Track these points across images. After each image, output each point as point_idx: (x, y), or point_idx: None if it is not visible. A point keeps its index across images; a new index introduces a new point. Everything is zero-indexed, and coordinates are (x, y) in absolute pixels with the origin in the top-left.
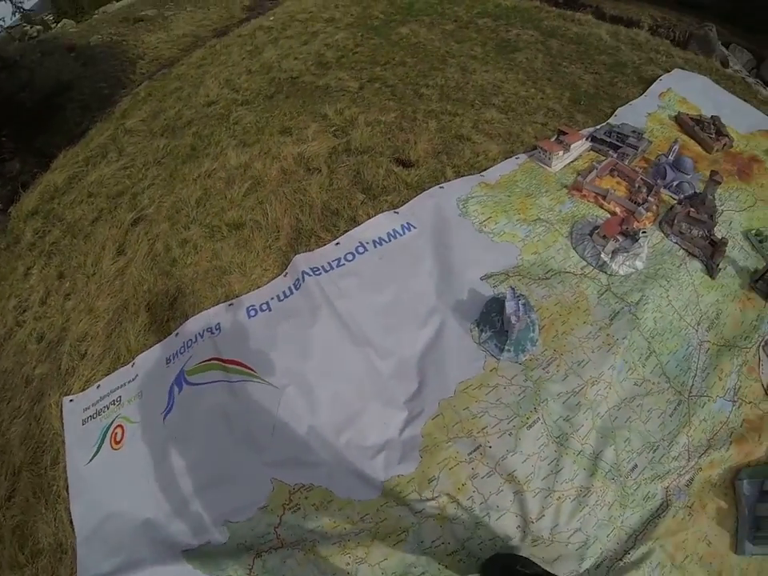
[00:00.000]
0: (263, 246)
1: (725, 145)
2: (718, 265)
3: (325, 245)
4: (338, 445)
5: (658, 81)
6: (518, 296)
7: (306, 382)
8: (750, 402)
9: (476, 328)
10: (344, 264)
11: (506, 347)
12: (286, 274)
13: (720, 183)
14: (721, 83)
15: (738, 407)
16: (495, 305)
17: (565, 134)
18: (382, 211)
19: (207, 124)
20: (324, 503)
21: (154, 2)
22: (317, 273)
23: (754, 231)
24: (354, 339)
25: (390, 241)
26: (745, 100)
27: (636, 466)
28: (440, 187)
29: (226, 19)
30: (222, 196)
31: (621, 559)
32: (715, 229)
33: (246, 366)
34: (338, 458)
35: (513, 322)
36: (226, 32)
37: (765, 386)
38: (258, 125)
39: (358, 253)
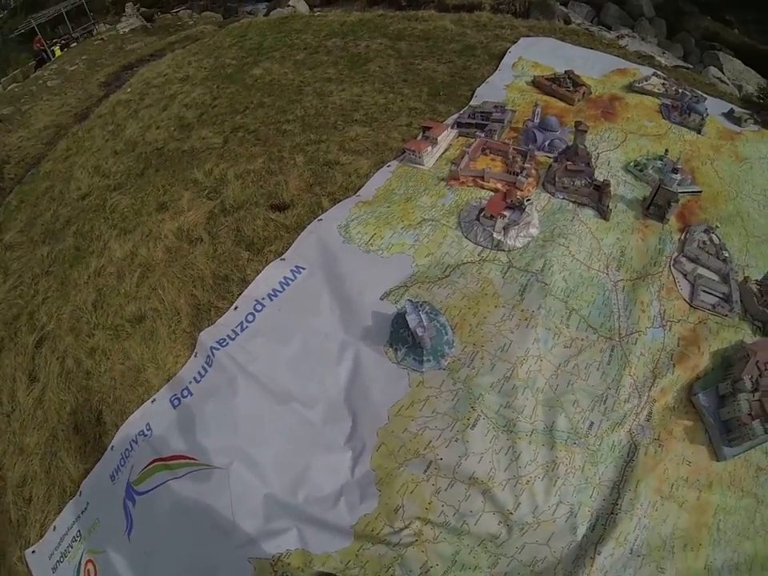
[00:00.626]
0: (168, 333)
1: (584, 93)
2: (608, 206)
3: (224, 313)
4: (297, 504)
5: (507, 53)
6: (418, 306)
7: (246, 454)
8: (679, 320)
9: (390, 349)
10: (247, 327)
11: (425, 358)
12: (196, 354)
13: (586, 131)
14: (567, 39)
15: (670, 329)
16: (401, 321)
17: (429, 128)
18: (269, 262)
19: (85, 219)
20: (306, 563)
21: (9, 99)
22: (224, 344)
23: (632, 163)
24: (277, 398)
25: (283, 290)
26: (591, 48)
27: (592, 423)
28: (318, 220)
29: (84, 100)
30: (117, 292)
31: (612, 513)
32: (596, 173)
33: (187, 457)
34: (302, 517)
35: (420, 334)
36: (86, 114)
37: (688, 300)
38: (134, 207)
39: (257, 311)
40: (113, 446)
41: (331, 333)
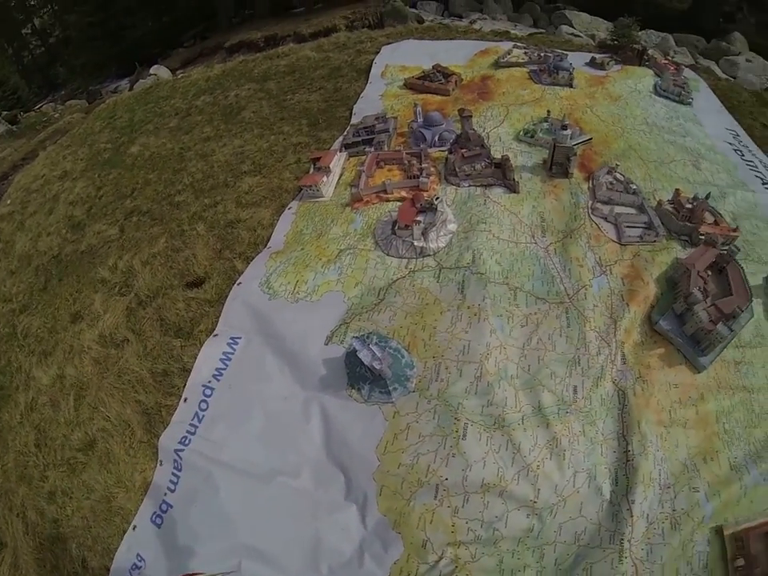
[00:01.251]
0: (125, 450)
1: (456, 82)
2: (514, 179)
3: (176, 409)
4: None
5: (373, 65)
6: (366, 340)
7: (251, 548)
8: (616, 262)
9: (353, 390)
10: (203, 416)
11: (390, 388)
12: (161, 461)
13: (471, 115)
14: (426, 36)
15: (611, 273)
16: (354, 359)
17: (318, 159)
18: (203, 343)
19: None
20: None
21: None
22: (186, 442)
23: (521, 132)
24: (261, 479)
25: (227, 366)
26: (450, 38)
27: (575, 387)
28: (238, 284)
29: None
30: (56, 423)
31: (627, 460)
32: (492, 152)
33: (192, 575)
34: None
35: (378, 367)
36: None
37: (616, 240)
38: (47, 326)
39: (208, 396)
40: None
41: (289, 394)
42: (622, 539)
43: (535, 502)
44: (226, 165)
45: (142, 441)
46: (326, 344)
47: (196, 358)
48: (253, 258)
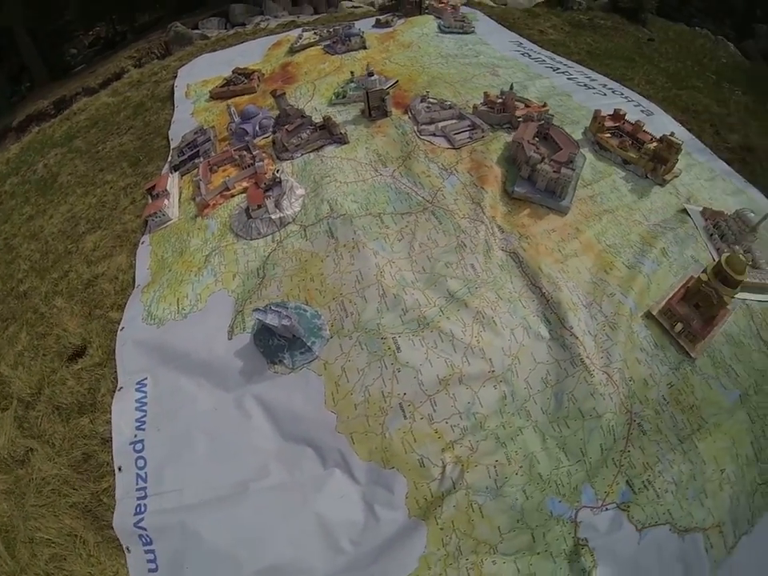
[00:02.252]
0: (85, 563)
1: (259, 78)
2: (341, 132)
3: (114, 484)
4: None
5: (175, 89)
6: (266, 310)
7: (267, 571)
8: (457, 162)
9: (275, 365)
10: (145, 473)
11: (309, 344)
12: (128, 548)
13: (284, 93)
14: (218, 47)
15: (457, 171)
16: (263, 336)
17: (153, 187)
18: (110, 404)
19: None
20: None
21: None
22: (142, 510)
23: (333, 97)
24: (235, 497)
25: (146, 411)
26: (241, 42)
27: (472, 265)
28: (121, 330)
29: None
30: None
31: (548, 300)
32: (313, 120)
33: None
34: None
35: (288, 323)
36: None
37: (452, 146)
38: None
39: (140, 451)
40: None
41: (217, 403)
42: (581, 359)
43: (493, 371)
44: (60, 234)
45: (98, 542)
46: (230, 339)
47: (111, 422)
48: (126, 303)
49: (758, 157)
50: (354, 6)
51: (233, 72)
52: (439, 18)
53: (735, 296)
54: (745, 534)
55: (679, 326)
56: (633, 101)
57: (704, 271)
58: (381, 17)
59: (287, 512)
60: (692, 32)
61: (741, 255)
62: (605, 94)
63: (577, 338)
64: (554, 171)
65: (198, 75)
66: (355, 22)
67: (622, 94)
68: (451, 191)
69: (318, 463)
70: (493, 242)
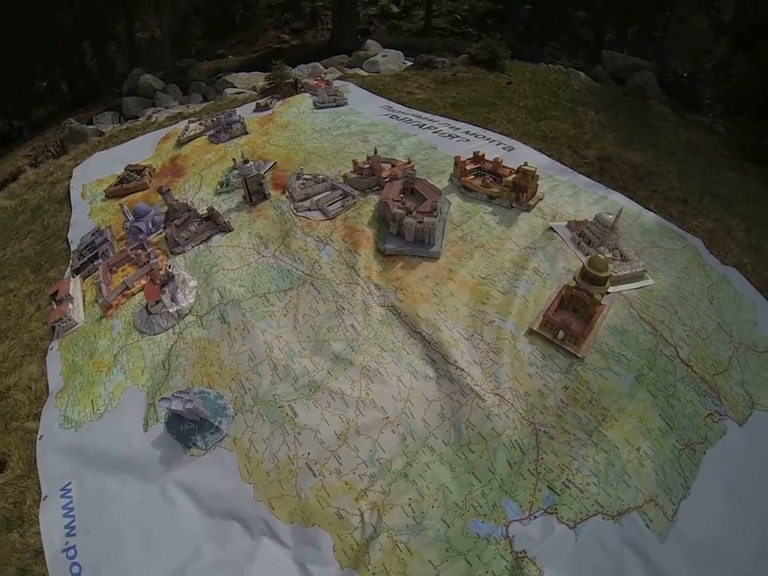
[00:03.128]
0: None
1: (150, 173)
2: (224, 222)
3: None
4: None
5: (71, 189)
6: (169, 398)
7: None
8: (332, 232)
9: (190, 449)
10: None
11: (216, 423)
12: None
13: (169, 189)
14: (110, 145)
15: (332, 241)
16: (173, 423)
17: (56, 292)
18: (38, 515)
19: None
20: None
21: None
22: None
23: (218, 186)
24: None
25: (73, 516)
26: (132, 138)
27: (352, 325)
28: (39, 439)
29: None
30: None
31: (429, 343)
32: (200, 212)
33: None
34: None
35: (191, 407)
36: None
37: (326, 217)
38: None
39: (73, 557)
40: None
41: (143, 495)
42: (470, 387)
43: (387, 417)
44: None
45: None
46: (146, 431)
47: (40, 534)
48: (41, 412)
49: (615, 164)
50: (237, 92)
51: (125, 169)
52: (314, 94)
53: (612, 290)
54: (683, 498)
55: (561, 334)
56: (494, 141)
57: (574, 278)
58: (260, 100)
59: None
60: (546, 69)
61: (601, 255)
62: (468, 140)
63: (462, 369)
64: (418, 222)
65: (93, 175)
66: (237, 109)
67: (485, 137)
68: (327, 261)
69: (246, 534)
70: (370, 300)
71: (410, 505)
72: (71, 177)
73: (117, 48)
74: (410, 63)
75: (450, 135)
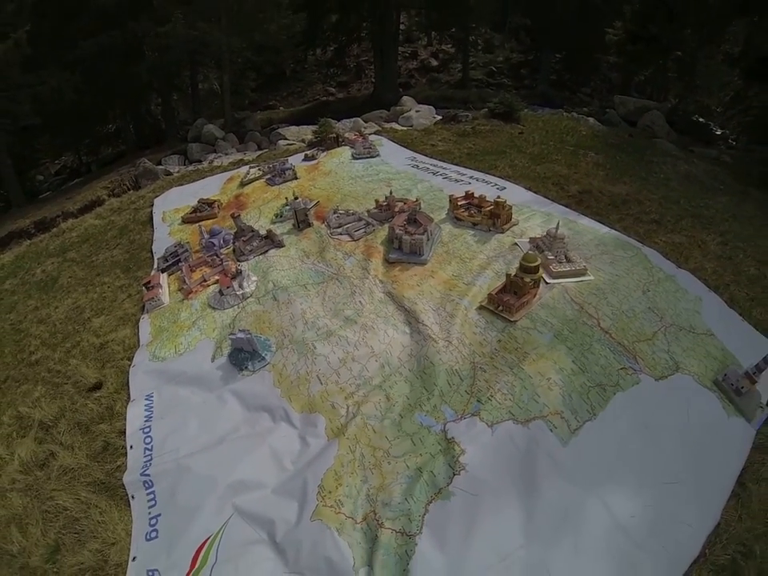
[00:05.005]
0: (98, 524)
1: (218, 206)
2: (279, 240)
3: (126, 457)
4: None
5: (153, 215)
6: (236, 332)
7: (234, 487)
8: (354, 249)
9: (242, 371)
10: (152, 444)
11: (263, 354)
12: (133, 496)
13: (239, 215)
14: (184, 182)
15: (354, 254)
16: (234, 354)
17: (149, 282)
18: (125, 414)
19: None
20: None
21: None
22: (148, 466)
23: (274, 216)
24: (214, 444)
25: (152, 411)
26: (202, 179)
27: (360, 302)
28: (132, 367)
29: None
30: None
31: (412, 313)
32: (260, 232)
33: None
34: None
35: (246, 336)
36: None
37: (351, 240)
38: None
39: (147, 432)
40: None
41: (205, 398)
42: (430, 335)
43: (374, 352)
44: (67, 320)
45: (110, 504)
46: (212, 362)
47: (125, 420)
48: (134, 355)
49: (594, 195)
50: (288, 144)
51: (198, 201)
52: (353, 147)
53: (552, 281)
54: (588, 420)
55: (501, 307)
56: (491, 183)
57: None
58: (308, 152)
59: (250, 449)
60: (559, 117)
61: (532, 252)
62: (470, 183)
63: (427, 326)
64: (412, 239)
65: (171, 204)
66: (289, 158)
67: (484, 180)
68: (349, 266)
69: (270, 419)
70: (374, 288)
71: (379, 402)
72: (152, 205)
73: (179, 97)
74: (439, 117)
75: (456, 180)
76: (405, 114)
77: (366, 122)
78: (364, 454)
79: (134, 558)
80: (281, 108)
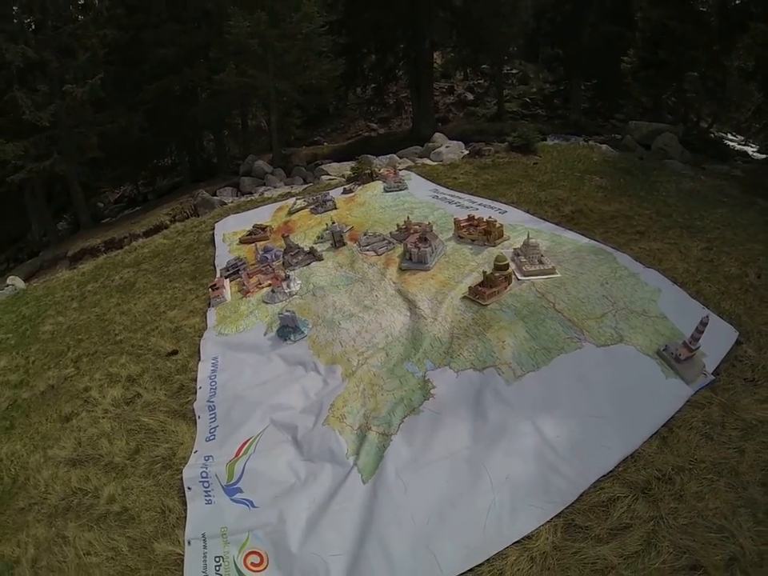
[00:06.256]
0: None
1: (270, 230)
2: (320, 255)
3: (194, 401)
4: None
5: (215, 236)
6: (283, 311)
7: (272, 407)
8: (376, 262)
9: (285, 341)
10: (216, 387)
11: (303, 328)
12: (199, 416)
13: (288, 235)
14: (240, 210)
15: (377, 265)
16: (281, 329)
17: (214, 284)
18: (196, 370)
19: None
20: None
21: None
22: (213, 397)
23: (316, 239)
24: (255, 390)
25: (216, 368)
26: (256, 208)
27: (376, 295)
28: (201, 338)
29: None
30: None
31: (413, 305)
32: (308, 248)
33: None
34: None
35: (289, 314)
36: None
37: (376, 255)
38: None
39: (214, 386)
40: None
41: (257, 359)
42: (423, 315)
43: (382, 327)
44: (146, 312)
45: (179, 423)
46: (265, 335)
47: (196, 374)
48: (203, 335)
49: (585, 213)
50: (330, 179)
51: (253, 227)
52: (385, 181)
53: (524, 278)
54: (531, 371)
55: (477, 295)
56: (495, 208)
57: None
58: (347, 186)
59: (287, 386)
60: (575, 146)
61: (503, 252)
62: (477, 209)
63: (421, 309)
64: (419, 251)
65: (230, 228)
66: (330, 192)
67: (490, 206)
68: (372, 272)
69: (303, 370)
70: (388, 287)
71: (380, 358)
72: (213, 228)
73: (230, 134)
74: (467, 152)
75: (467, 207)
76: (436, 150)
77: (401, 157)
78: (365, 388)
79: (195, 451)
80: (325, 144)
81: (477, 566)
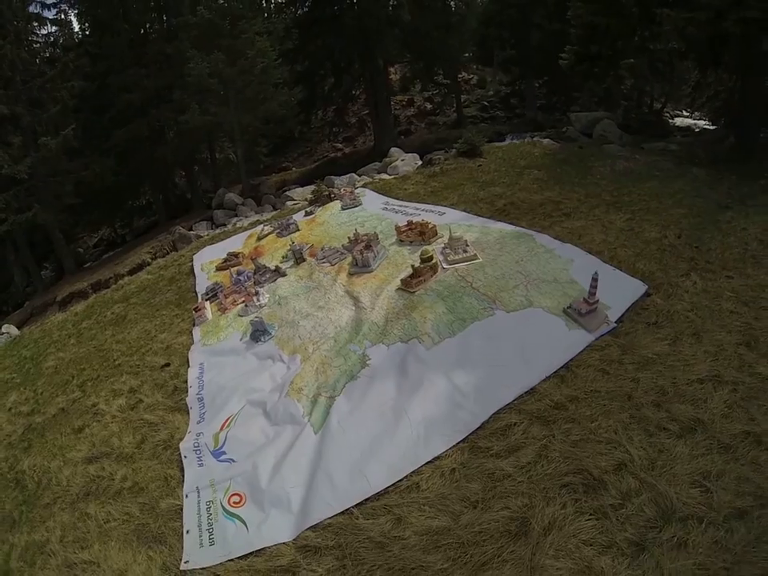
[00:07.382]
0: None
1: (242, 256)
2: (284, 271)
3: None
4: None
5: (194, 267)
6: (253, 320)
7: (246, 390)
8: (329, 272)
9: (257, 343)
10: (203, 382)
11: (271, 331)
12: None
13: (256, 258)
14: (215, 241)
15: (330, 274)
16: (253, 333)
17: (197, 307)
18: (187, 374)
19: None
20: None
21: None
22: (202, 382)
23: (281, 259)
24: (239, 386)
25: (203, 371)
26: (228, 238)
27: (327, 297)
28: (189, 351)
29: None
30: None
31: (362, 307)
32: (274, 267)
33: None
34: None
35: (261, 320)
36: None
37: (330, 264)
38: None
39: (202, 378)
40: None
41: (234, 361)
42: (363, 307)
43: (332, 320)
44: (139, 338)
45: (174, 414)
46: (241, 340)
47: (186, 377)
48: (191, 348)
49: (516, 205)
50: (294, 203)
51: (227, 254)
52: (341, 200)
53: (449, 267)
54: (448, 337)
55: (406, 285)
56: (435, 211)
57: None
58: (308, 209)
59: (259, 373)
60: (519, 143)
61: (428, 247)
62: (419, 215)
63: (362, 302)
64: (363, 256)
65: (206, 258)
66: (293, 216)
67: (431, 211)
68: (326, 280)
69: (272, 362)
70: (338, 289)
71: (330, 344)
72: (192, 260)
73: (200, 168)
74: (420, 163)
75: (411, 214)
76: (392, 164)
77: (360, 175)
78: (318, 367)
79: (189, 431)
80: (293, 168)
81: (398, 481)
